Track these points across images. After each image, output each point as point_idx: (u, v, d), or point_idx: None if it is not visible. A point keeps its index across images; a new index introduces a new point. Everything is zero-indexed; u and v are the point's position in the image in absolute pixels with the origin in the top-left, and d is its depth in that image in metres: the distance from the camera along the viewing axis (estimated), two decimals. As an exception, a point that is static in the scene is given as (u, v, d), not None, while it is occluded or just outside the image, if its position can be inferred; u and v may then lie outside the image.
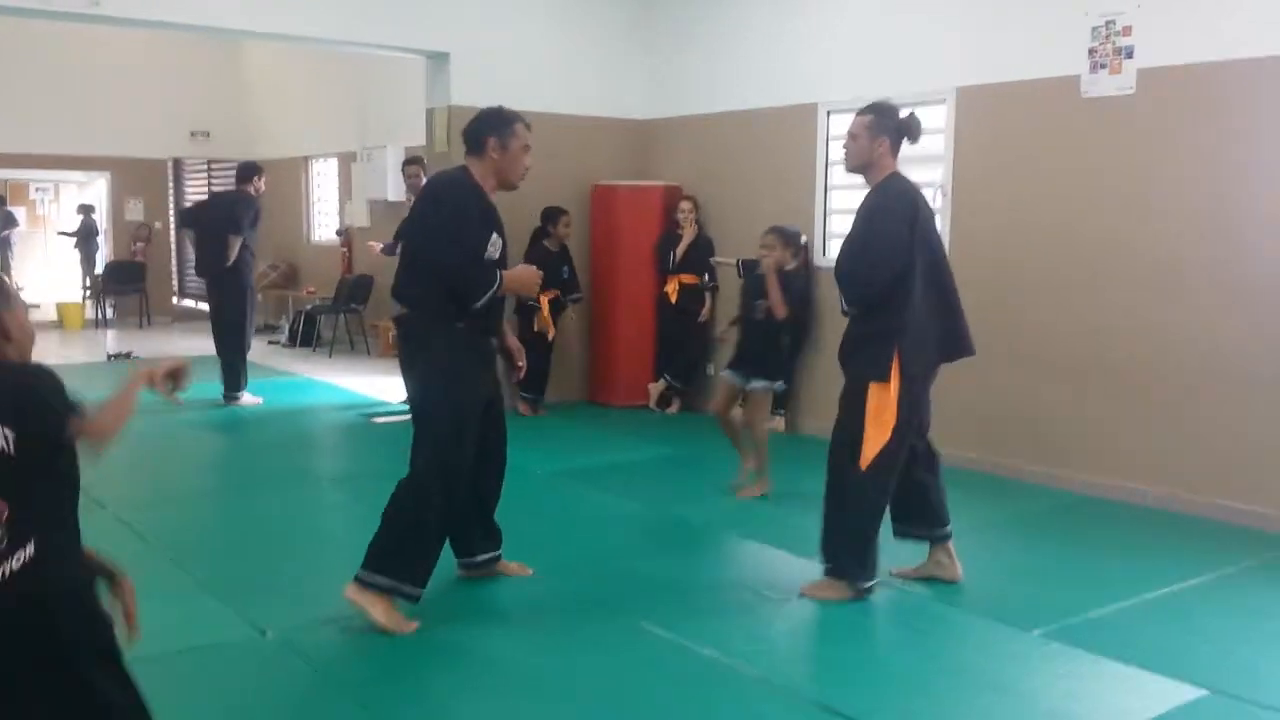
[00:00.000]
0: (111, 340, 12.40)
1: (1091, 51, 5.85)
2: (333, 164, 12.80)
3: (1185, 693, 3.38)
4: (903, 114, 4.21)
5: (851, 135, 4.21)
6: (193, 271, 16.32)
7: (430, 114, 8.10)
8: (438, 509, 3.83)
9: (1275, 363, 5.23)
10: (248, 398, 8.33)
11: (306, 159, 13.44)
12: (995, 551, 4.92)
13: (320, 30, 7.54)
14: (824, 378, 7.24)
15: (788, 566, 4.56)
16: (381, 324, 11.04)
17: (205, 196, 8.99)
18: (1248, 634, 3.92)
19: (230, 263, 8.08)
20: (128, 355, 10.82)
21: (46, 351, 11.51)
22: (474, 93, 7.92)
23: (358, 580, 3.79)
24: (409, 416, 4.02)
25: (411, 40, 7.79)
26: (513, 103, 8.01)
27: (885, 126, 4.16)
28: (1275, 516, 5.19)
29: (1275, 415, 5.23)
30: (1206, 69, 5.41)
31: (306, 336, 12.04)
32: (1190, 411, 5.53)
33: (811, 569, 4.34)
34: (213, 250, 8.18)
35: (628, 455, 6.80)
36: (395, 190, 10.87)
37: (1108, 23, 5.77)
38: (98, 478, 5.91)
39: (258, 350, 11.47)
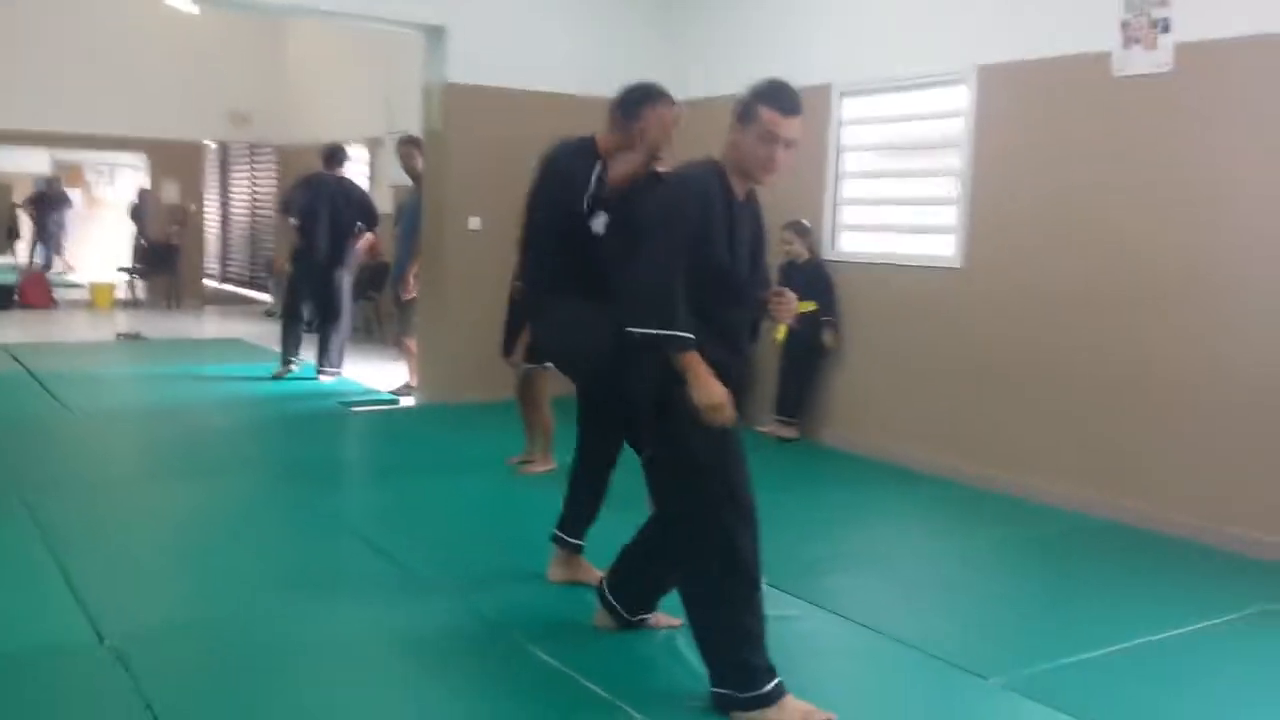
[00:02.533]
0: (123, 320, 12.23)
1: (1124, 25, 5.21)
2: (362, 150, 12.49)
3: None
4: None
5: (792, 141, 3.15)
6: (237, 256, 16.37)
7: (426, 91, 7.69)
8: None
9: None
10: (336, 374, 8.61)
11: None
12: (981, 583, 4.34)
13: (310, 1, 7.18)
14: (848, 384, 6.70)
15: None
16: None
17: (299, 181, 8.98)
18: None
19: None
20: (136, 335, 10.62)
21: (67, 330, 11.40)
22: (473, 70, 7.51)
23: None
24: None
25: (403, 12, 7.38)
26: (514, 82, 7.75)
27: None
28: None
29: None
30: (1251, 44, 4.74)
31: (326, 323, 11.72)
32: (1234, 430, 4.85)
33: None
34: (335, 237, 8.37)
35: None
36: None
37: (1143, -8, 5.13)
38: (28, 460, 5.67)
39: (275, 335, 11.24)
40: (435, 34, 7.47)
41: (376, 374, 8.90)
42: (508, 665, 3.29)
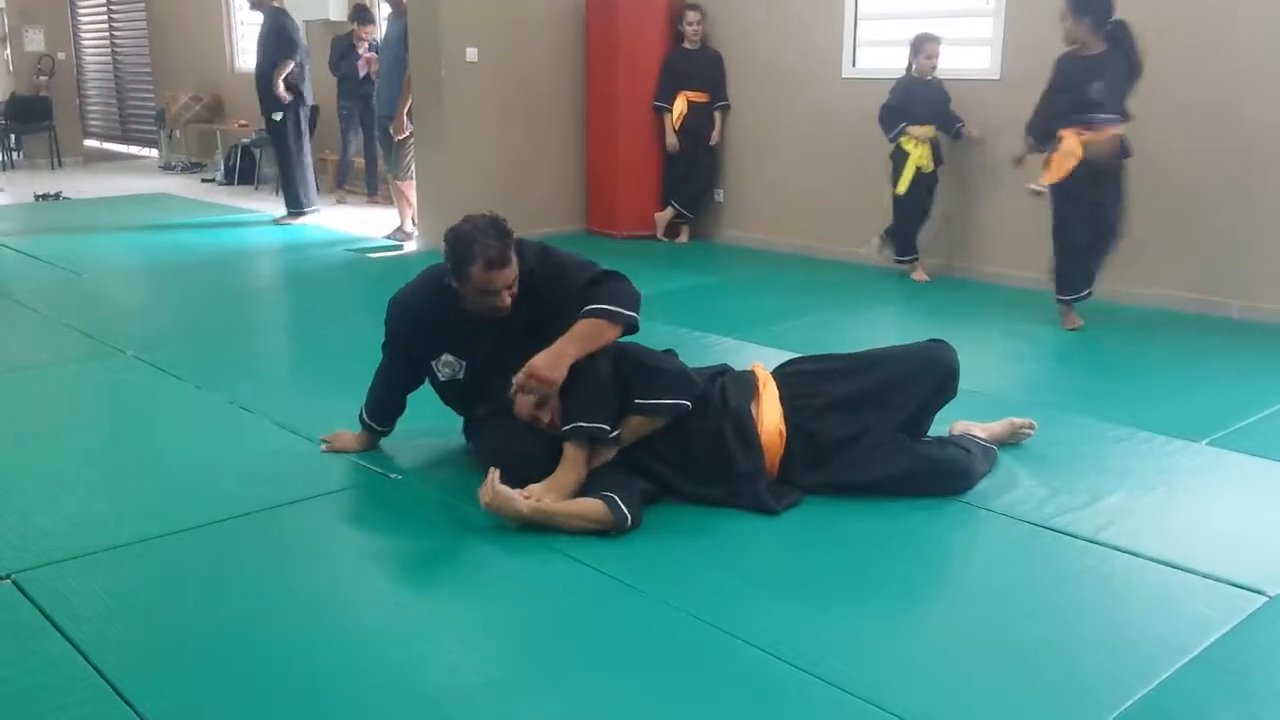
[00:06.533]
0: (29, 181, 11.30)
1: None
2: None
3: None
4: None
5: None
6: (97, 109, 15.18)
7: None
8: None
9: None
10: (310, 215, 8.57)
11: (227, -23, 12.25)
12: (1100, 368, 4.74)
13: None
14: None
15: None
16: (328, 156, 10.21)
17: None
18: None
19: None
20: (56, 195, 9.88)
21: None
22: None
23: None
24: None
25: None
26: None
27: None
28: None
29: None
30: None
31: (245, 173, 11.16)
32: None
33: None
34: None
35: (659, 286, 6.40)
36: (336, 9, 10.02)
37: None
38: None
39: (194, 188, 10.71)
40: None
41: (349, 220, 8.65)
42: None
